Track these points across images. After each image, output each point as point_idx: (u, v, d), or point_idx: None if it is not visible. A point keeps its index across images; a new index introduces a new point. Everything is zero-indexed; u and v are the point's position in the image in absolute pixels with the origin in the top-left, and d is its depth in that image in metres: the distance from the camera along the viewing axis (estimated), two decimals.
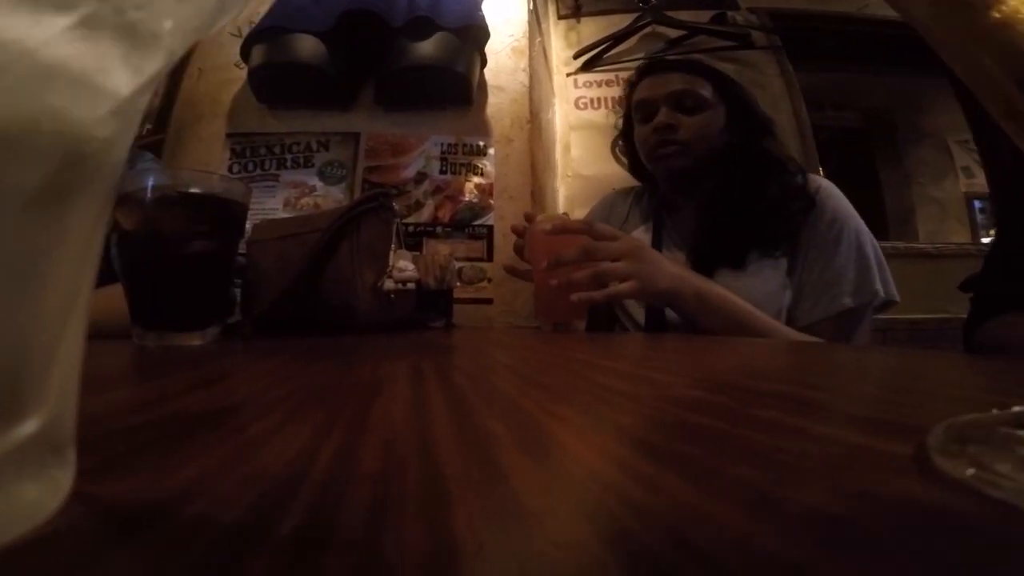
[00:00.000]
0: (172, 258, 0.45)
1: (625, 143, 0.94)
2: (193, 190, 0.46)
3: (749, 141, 0.80)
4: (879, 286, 0.68)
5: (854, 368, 0.29)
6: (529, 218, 0.73)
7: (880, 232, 1.94)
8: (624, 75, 1.40)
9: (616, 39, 1.51)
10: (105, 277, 0.39)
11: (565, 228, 0.68)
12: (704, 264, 0.72)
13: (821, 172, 1.43)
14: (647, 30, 1.54)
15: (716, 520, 0.08)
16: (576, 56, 1.52)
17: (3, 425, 0.08)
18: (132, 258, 0.45)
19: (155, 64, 0.08)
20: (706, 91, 0.80)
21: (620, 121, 0.94)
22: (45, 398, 0.09)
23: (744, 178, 0.77)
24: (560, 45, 1.55)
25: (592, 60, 1.51)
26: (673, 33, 1.55)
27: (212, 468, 0.11)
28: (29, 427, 0.08)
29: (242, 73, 1.04)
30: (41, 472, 0.09)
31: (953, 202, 2.01)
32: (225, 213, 0.49)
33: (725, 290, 0.62)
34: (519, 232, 0.75)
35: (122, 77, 0.08)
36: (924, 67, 1.74)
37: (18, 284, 0.08)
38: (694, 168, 0.79)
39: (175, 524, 0.08)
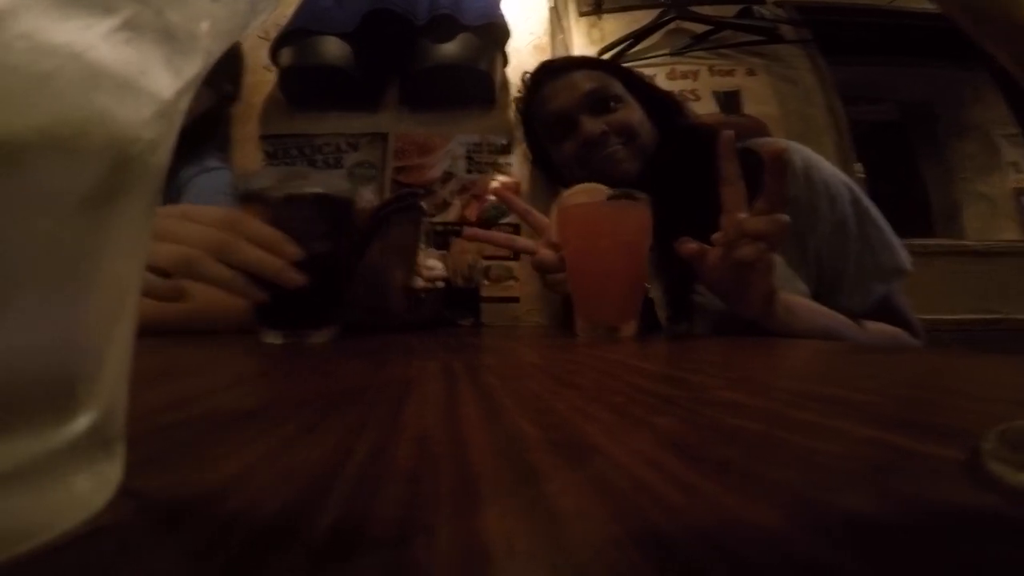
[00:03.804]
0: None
1: (541, 168, 0.86)
2: (319, 189, 0.46)
3: (672, 121, 0.75)
4: (903, 259, 0.64)
5: (899, 369, 0.28)
6: (511, 188, 0.69)
7: (925, 229, 1.86)
8: (649, 71, 1.38)
9: (639, 35, 1.49)
10: None
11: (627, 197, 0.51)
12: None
13: (860, 167, 1.37)
14: (671, 26, 1.51)
15: (754, 525, 0.08)
16: (601, 53, 1.50)
17: (56, 421, 0.08)
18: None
19: (194, 65, 0.08)
20: (615, 86, 0.74)
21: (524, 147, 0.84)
22: (96, 395, 0.09)
23: (690, 159, 0.69)
24: (582, 42, 1.53)
25: (616, 57, 1.49)
26: (698, 28, 1.51)
27: (249, 465, 0.11)
28: (81, 423, 0.09)
29: (272, 76, 1.07)
30: (92, 467, 0.09)
31: (1002, 198, 1.90)
32: (345, 212, 0.49)
33: (801, 297, 0.57)
34: (503, 196, 0.69)
35: (164, 79, 0.08)
36: (962, 59, 1.66)
37: (70, 284, 0.08)
38: (642, 168, 0.72)
39: (214, 520, 0.09)
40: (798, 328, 0.53)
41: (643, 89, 0.77)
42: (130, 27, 0.07)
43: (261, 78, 1.11)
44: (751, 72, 1.46)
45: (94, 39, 0.07)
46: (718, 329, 0.64)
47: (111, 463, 0.09)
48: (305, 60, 1.00)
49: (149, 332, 0.57)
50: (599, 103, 0.73)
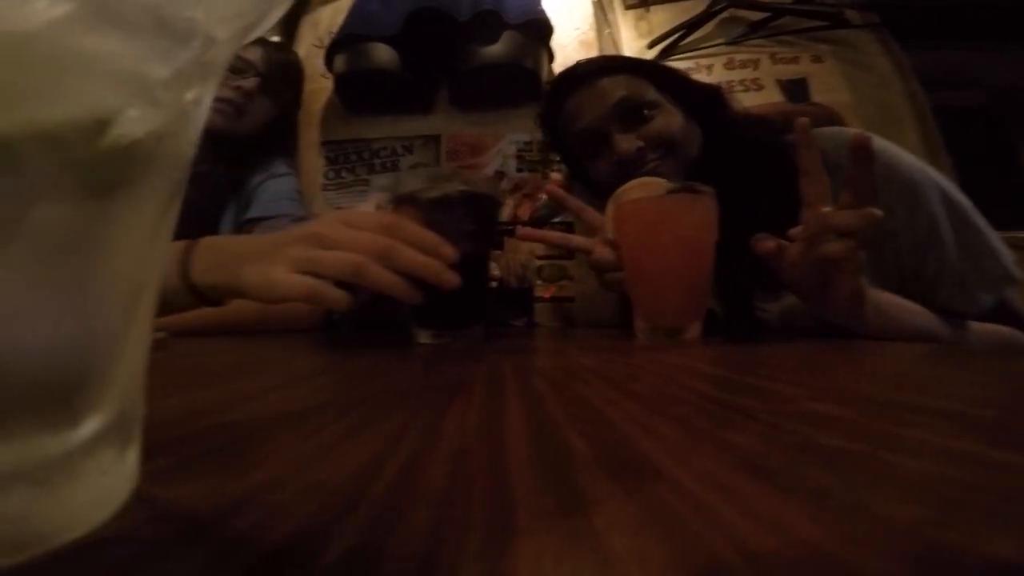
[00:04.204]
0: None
1: (580, 182, 0.78)
2: (467, 189, 0.47)
3: (717, 116, 0.67)
4: (1010, 265, 0.55)
5: (1018, 376, 0.24)
6: (562, 185, 0.63)
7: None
8: (705, 62, 1.31)
9: (691, 26, 1.42)
10: None
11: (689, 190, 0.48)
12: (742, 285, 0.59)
13: (950, 159, 1.23)
14: (724, 14, 1.43)
15: (860, 573, 0.06)
16: (651, 46, 1.44)
17: (64, 423, 0.08)
18: None
19: (187, 52, 0.08)
20: (647, 90, 0.66)
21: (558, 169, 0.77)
22: (107, 397, 0.09)
23: (739, 153, 0.62)
24: (631, 36, 1.48)
25: (668, 49, 1.43)
26: (754, 16, 1.42)
27: (277, 475, 0.10)
28: (87, 429, 0.08)
29: (329, 83, 1.11)
30: (101, 472, 0.08)
31: None
32: (491, 210, 0.50)
33: (893, 295, 0.51)
34: (555, 194, 0.63)
35: (151, 66, 0.07)
36: None
37: (73, 280, 0.08)
38: (689, 176, 0.63)
39: (224, 536, 0.08)
40: (892, 332, 0.47)
41: (680, 86, 0.70)
42: (104, 11, 0.07)
43: (319, 85, 1.16)
44: (817, 59, 1.37)
45: (73, 24, 0.06)
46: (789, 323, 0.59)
47: (123, 468, 0.09)
48: (357, 66, 1.04)
49: (227, 331, 0.61)
50: (631, 113, 0.66)
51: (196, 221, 0.79)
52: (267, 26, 0.10)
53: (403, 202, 0.46)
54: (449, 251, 0.43)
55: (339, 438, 0.13)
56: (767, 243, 0.46)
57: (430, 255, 0.42)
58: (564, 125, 0.72)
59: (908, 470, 0.10)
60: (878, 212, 0.42)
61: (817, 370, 0.27)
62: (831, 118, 1.18)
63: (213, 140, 0.82)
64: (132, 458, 0.09)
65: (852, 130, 0.73)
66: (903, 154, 0.62)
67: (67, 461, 0.08)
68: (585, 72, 0.70)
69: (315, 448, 0.13)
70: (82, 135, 0.07)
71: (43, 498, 0.08)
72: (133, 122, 0.08)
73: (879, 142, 0.62)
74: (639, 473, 0.10)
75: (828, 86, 1.33)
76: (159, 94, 0.08)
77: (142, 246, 0.09)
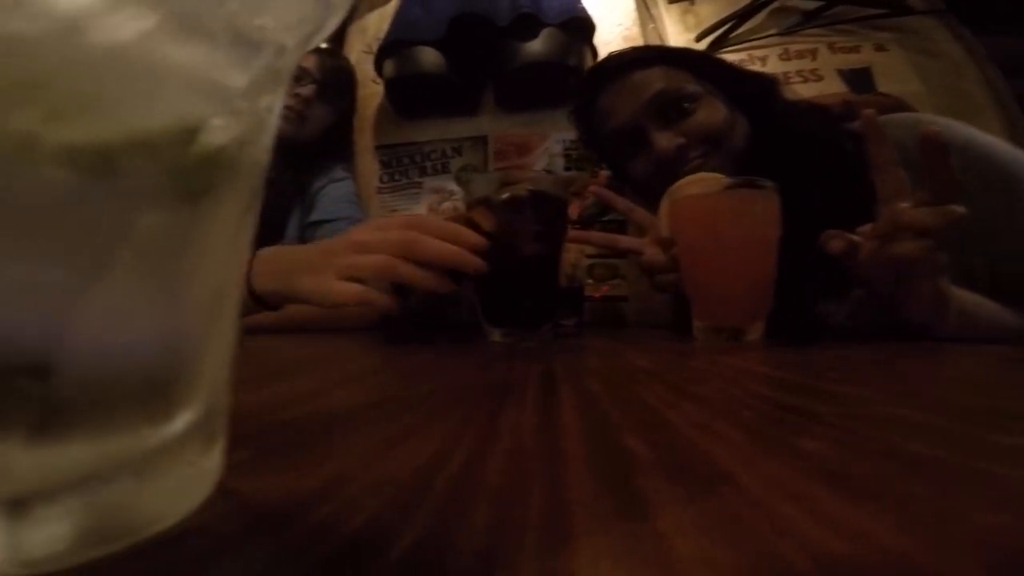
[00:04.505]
0: (518, 258, 0.47)
1: (621, 181, 0.73)
2: (536, 190, 0.47)
3: (766, 106, 0.61)
4: None
5: None
6: (607, 183, 0.60)
7: None
8: (758, 53, 1.25)
9: (741, 17, 1.35)
10: None
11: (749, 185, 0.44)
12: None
13: None
14: (775, 4, 1.35)
15: None
16: (699, 39, 1.39)
17: (155, 420, 0.08)
18: (484, 258, 0.48)
19: (261, 60, 0.08)
20: (687, 82, 0.61)
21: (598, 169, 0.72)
22: (196, 394, 0.09)
23: (795, 149, 0.58)
24: (677, 30, 1.43)
25: (717, 42, 1.37)
26: (808, 4, 1.33)
27: (346, 471, 0.11)
28: (180, 422, 0.09)
29: (380, 88, 1.15)
30: (190, 466, 0.09)
31: None
32: (561, 210, 0.50)
33: (978, 296, 0.47)
34: (601, 195, 0.61)
35: (230, 73, 0.08)
36: None
37: (164, 281, 0.08)
38: (738, 172, 0.56)
39: (303, 527, 0.08)
40: (976, 334, 0.43)
41: (722, 75, 0.65)
42: (189, 23, 0.07)
43: (371, 91, 1.19)
44: (880, 47, 1.27)
45: (156, 38, 0.07)
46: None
47: (210, 462, 0.10)
48: (405, 70, 1.06)
49: (290, 330, 0.64)
50: (669, 108, 0.61)
51: (266, 225, 0.84)
52: (327, 32, 0.10)
53: (476, 205, 0.47)
54: (473, 237, 0.44)
55: (404, 433, 0.14)
56: (837, 241, 0.43)
57: (457, 243, 0.43)
58: (598, 123, 0.69)
59: (1011, 481, 0.09)
60: (959, 209, 0.38)
61: (891, 373, 0.26)
62: (900, 107, 1.10)
63: (279, 147, 0.86)
64: (218, 452, 0.10)
65: (927, 116, 0.67)
66: (997, 143, 0.56)
67: (163, 454, 0.09)
68: (616, 66, 0.66)
69: (381, 443, 0.13)
70: (175, 143, 0.08)
71: (141, 489, 0.08)
72: (218, 130, 0.08)
73: (966, 132, 0.56)
74: (702, 477, 0.10)
75: (895, 75, 1.24)
76: (238, 102, 0.08)
77: (226, 248, 0.10)
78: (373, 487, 0.10)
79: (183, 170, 0.08)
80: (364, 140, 1.20)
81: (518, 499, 0.09)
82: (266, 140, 0.10)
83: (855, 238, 0.43)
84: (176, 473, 0.09)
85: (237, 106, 0.08)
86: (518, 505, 0.09)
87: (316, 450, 0.13)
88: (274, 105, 0.10)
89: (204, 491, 0.09)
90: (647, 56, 0.66)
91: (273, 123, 0.10)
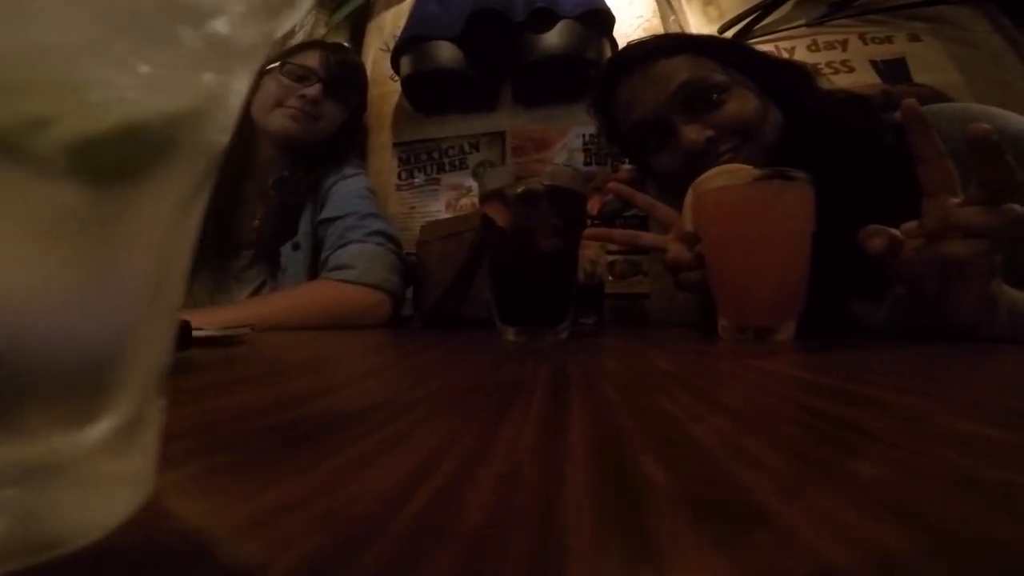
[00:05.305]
0: (534, 254, 0.45)
1: (646, 175, 0.70)
2: (553, 184, 0.45)
3: (800, 96, 0.57)
4: None
5: None
6: (626, 179, 0.57)
7: None
8: (785, 45, 1.21)
9: (766, 7, 1.30)
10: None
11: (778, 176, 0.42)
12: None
13: None
14: None
15: None
16: (722, 31, 1.35)
17: (78, 421, 0.07)
18: (497, 254, 0.47)
19: (195, 33, 0.07)
20: (714, 71, 0.58)
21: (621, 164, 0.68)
22: (124, 394, 0.08)
23: (830, 141, 0.54)
24: (699, 21, 1.40)
25: (742, 33, 1.33)
26: None
27: (300, 493, 0.09)
28: (104, 426, 0.08)
29: (398, 85, 1.14)
30: (113, 476, 0.08)
31: None
32: (579, 205, 0.49)
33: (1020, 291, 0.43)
34: (620, 192, 0.58)
35: (143, 47, 0.07)
36: None
37: (87, 269, 0.07)
38: (771, 164, 0.53)
39: (225, 560, 0.07)
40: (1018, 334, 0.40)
41: (752, 63, 0.61)
42: None
43: (389, 89, 1.19)
44: (915, 37, 1.22)
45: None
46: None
47: (140, 471, 0.09)
48: (422, 67, 1.05)
49: (305, 327, 0.64)
50: (697, 99, 0.58)
51: (280, 223, 0.85)
52: (298, 13, 0.09)
53: (490, 199, 0.46)
54: None
55: (386, 444, 0.12)
56: (878, 239, 0.39)
57: None
58: (619, 115, 0.65)
59: None
60: (1018, 209, 0.35)
61: (942, 379, 0.23)
62: (940, 99, 1.04)
63: (291, 147, 0.86)
64: (150, 460, 0.09)
65: (977, 106, 0.62)
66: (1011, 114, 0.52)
67: (82, 461, 0.08)
68: (639, 55, 0.63)
69: (355, 458, 0.11)
70: (67, 114, 0.07)
71: (59, 498, 0.07)
72: (123, 104, 0.07)
73: (1019, 121, 0.53)
74: (733, 515, 0.08)
75: (931, 65, 1.19)
76: (161, 77, 0.07)
77: (167, 235, 0.09)
78: (323, 517, 0.08)
79: (86, 146, 0.07)
80: (382, 138, 1.20)
81: (497, 542, 0.07)
82: (222, 120, 0.09)
83: (897, 235, 0.39)
84: (98, 484, 0.08)
85: (158, 80, 0.07)
86: (495, 550, 0.07)
87: (282, 463, 0.11)
88: (229, 84, 0.09)
89: (130, 505, 0.08)
90: (671, 44, 0.63)
91: (231, 104, 0.09)
